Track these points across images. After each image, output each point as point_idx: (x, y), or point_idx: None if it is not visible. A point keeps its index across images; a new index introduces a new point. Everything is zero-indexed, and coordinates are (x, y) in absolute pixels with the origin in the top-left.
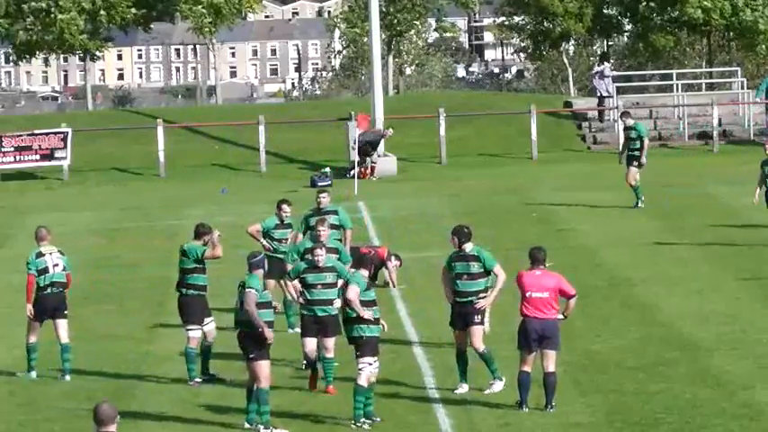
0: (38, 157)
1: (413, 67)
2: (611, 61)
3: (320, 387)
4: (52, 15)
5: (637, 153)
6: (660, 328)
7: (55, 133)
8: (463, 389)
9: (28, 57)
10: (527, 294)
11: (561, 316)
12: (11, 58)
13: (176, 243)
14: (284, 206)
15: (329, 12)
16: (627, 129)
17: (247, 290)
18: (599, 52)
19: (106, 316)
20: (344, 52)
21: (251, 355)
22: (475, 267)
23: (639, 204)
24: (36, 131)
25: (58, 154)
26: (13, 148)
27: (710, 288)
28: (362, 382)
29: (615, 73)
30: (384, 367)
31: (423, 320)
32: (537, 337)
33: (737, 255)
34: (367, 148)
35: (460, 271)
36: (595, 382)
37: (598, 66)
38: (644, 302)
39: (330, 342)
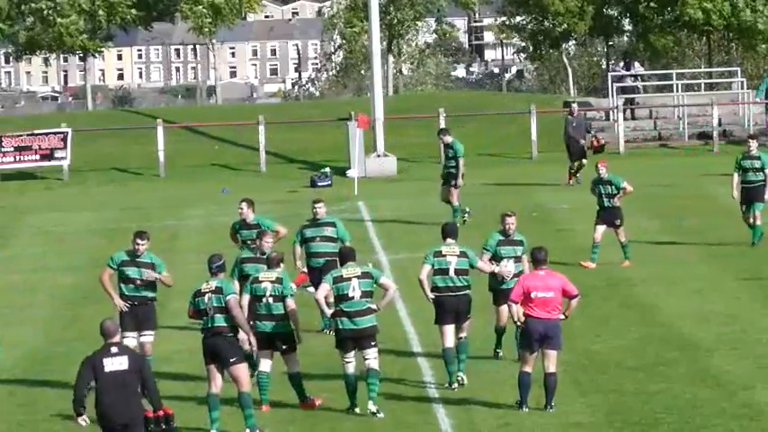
0: (38, 157)
1: (409, 66)
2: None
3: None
4: (51, 18)
5: (453, 171)
6: (660, 328)
7: (55, 133)
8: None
9: (29, 54)
10: (532, 295)
11: (562, 316)
12: (11, 57)
13: (176, 243)
14: (242, 204)
15: (326, 12)
16: (445, 147)
17: (229, 296)
18: (599, 51)
19: (106, 316)
20: (340, 53)
21: (232, 360)
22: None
23: (467, 219)
24: (36, 131)
25: (57, 154)
26: (12, 148)
27: (710, 288)
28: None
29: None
30: (384, 367)
31: (423, 320)
32: (539, 337)
33: (737, 255)
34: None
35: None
36: (595, 382)
37: (624, 69)
38: (644, 302)
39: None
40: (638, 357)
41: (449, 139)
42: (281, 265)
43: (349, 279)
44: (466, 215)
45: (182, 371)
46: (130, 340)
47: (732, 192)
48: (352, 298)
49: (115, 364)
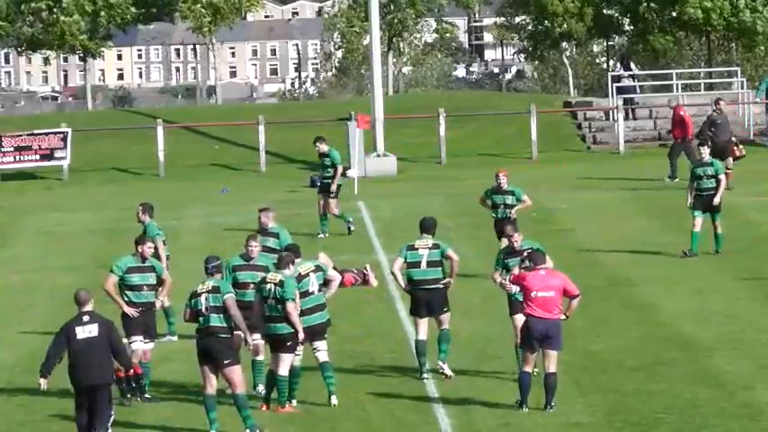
0: (37, 157)
1: (409, 67)
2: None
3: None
4: (54, 16)
5: (331, 182)
6: (660, 328)
7: (55, 133)
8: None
9: (30, 52)
10: (532, 294)
11: (563, 316)
12: (11, 54)
13: (176, 243)
14: (139, 208)
15: (328, 11)
16: (321, 155)
17: (227, 295)
18: (598, 51)
19: (106, 316)
20: (339, 53)
21: (226, 362)
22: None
23: (352, 227)
24: (36, 131)
25: (57, 154)
26: (12, 148)
27: (710, 288)
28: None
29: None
30: (384, 367)
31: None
32: (540, 336)
33: (737, 254)
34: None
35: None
36: (595, 382)
37: (622, 69)
38: (644, 302)
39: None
40: (638, 357)
41: (324, 147)
42: (291, 266)
43: (307, 275)
44: (350, 223)
45: (181, 371)
46: (138, 344)
47: (688, 200)
48: (312, 293)
49: (86, 331)
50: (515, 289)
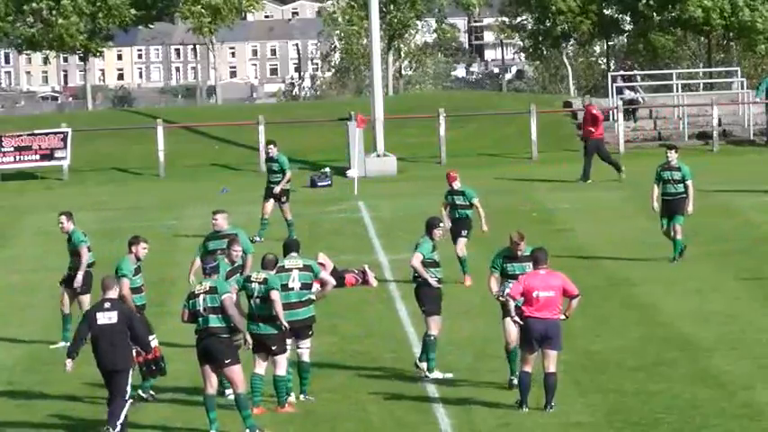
0: (38, 157)
1: (408, 67)
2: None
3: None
4: (53, 18)
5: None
6: (660, 328)
7: (55, 133)
8: (436, 374)
9: (29, 52)
10: (533, 294)
11: (563, 316)
12: (11, 53)
13: (176, 243)
14: (59, 218)
15: (327, 10)
16: (269, 159)
17: (224, 295)
18: (599, 51)
19: None
20: (337, 53)
21: (227, 361)
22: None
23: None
24: (36, 131)
25: (57, 154)
26: (12, 148)
27: (710, 288)
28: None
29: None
30: (384, 367)
31: (422, 320)
32: (539, 337)
33: (737, 254)
34: None
35: (437, 259)
36: (595, 382)
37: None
38: (644, 302)
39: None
40: (638, 357)
41: (275, 151)
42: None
43: (290, 270)
44: (291, 231)
45: (181, 371)
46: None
47: (651, 204)
48: (292, 289)
49: (106, 317)
50: (512, 304)
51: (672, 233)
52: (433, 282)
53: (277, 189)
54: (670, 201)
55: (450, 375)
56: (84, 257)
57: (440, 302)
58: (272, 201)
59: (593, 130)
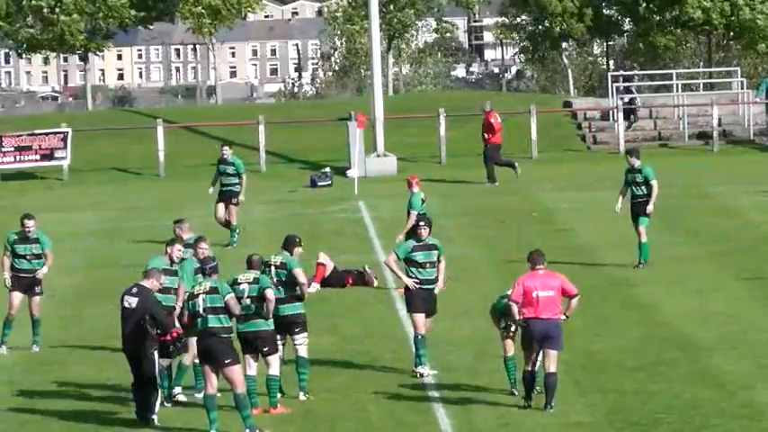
0: (38, 157)
1: (408, 67)
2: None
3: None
4: (55, 16)
5: (235, 189)
6: (660, 328)
7: (55, 133)
8: (425, 370)
9: (29, 54)
10: (533, 295)
11: (564, 316)
12: (11, 54)
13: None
14: (26, 221)
15: (327, 10)
16: (224, 162)
17: (228, 296)
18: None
19: (106, 316)
20: (337, 53)
21: (227, 361)
22: (434, 256)
23: (236, 240)
24: (36, 131)
25: (57, 154)
26: (13, 148)
27: (710, 288)
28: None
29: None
30: (384, 367)
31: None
32: (540, 337)
33: (737, 254)
34: None
35: (425, 260)
36: (595, 382)
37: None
38: (644, 302)
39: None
40: (638, 357)
41: (229, 153)
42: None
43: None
44: (235, 237)
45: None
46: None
47: (615, 205)
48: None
49: (128, 301)
50: (515, 308)
51: (637, 237)
52: (407, 281)
53: (242, 197)
54: (635, 203)
55: (434, 372)
56: (51, 260)
57: (418, 302)
58: (222, 204)
59: (487, 136)
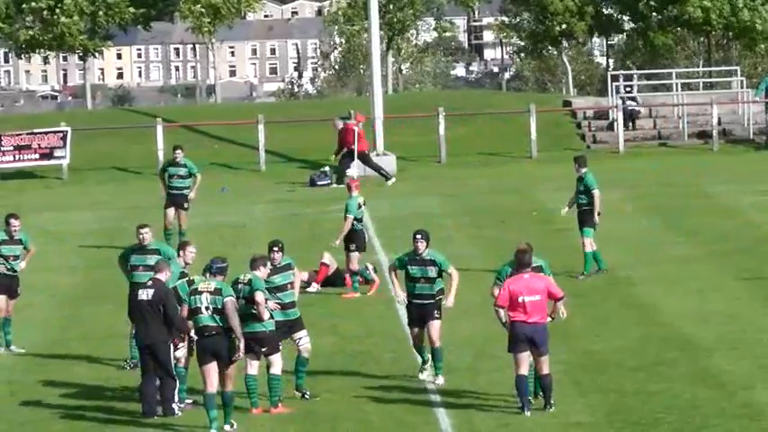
0: (37, 156)
1: (408, 66)
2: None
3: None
4: (55, 17)
5: (186, 193)
6: (660, 328)
7: (54, 132)
8: (425, 375)
9: (28, 54)
10: (519, 299)
11: (549, 318)
12: (10, 54)
13: (176, 243)
14: (12, 220)
15: (327, 10)
16: (175, 165)
17: (227, 299)
18: (597, 51)
19: (106, 316)
20: (336, 52)
21: (232, 359)
22: (432, 272)
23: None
24: (35, 130)
25: (57, 153)
26: (12, 147)
27: (710, 288)
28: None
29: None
30: (384, 367)
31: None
32: (526, 339)
33: (737, 254)
34: None
35: (418, 275)
36: (595, 382)
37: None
38: (643, 302)
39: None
40: (638, 357)
41: (181, 156)
42: (263, 268)
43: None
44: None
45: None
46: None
47: (563, 208)
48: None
49: (143, 294)
50: (502, 312)
51: (581, 247)
52: (395, 294)
53: (192, 194)
54: (579, 212)
55: (441, 382)
56: (32, 254)
57: (412, 316)
58: (173, 208)
59: (351, 143)
